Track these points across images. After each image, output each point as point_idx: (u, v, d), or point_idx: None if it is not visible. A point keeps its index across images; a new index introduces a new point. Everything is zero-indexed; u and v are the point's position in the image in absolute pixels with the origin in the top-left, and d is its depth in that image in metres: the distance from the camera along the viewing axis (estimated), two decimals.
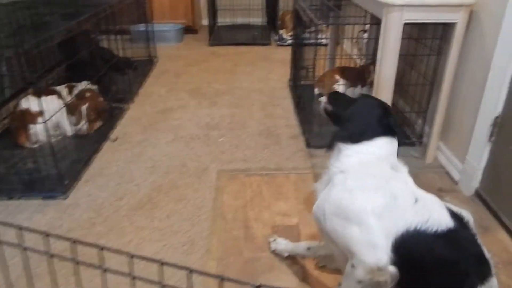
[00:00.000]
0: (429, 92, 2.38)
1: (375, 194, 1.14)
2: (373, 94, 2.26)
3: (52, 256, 0.74)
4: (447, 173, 2.29)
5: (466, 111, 2.14)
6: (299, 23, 3.20)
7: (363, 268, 1.13)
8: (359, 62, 3.58)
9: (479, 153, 2.00)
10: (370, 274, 1.12)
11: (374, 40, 3.09)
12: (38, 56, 2.13)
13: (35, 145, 2.49)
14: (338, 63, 3.48)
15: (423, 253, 1.10)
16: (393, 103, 2.23)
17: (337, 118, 1.38)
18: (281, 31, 5.12)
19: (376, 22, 2.68)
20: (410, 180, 1.21)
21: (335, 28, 3.52)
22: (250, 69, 4.15)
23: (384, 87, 2.16)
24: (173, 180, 2.25)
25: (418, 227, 1.09)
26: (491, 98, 1.90)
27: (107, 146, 2.61)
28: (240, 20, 5.77)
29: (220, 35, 5.31)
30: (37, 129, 2.46)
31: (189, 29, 5.41)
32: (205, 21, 5.73)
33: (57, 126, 2.62)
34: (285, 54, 4.41)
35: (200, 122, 2.94)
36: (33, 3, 2.92)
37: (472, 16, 2.04)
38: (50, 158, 2.16)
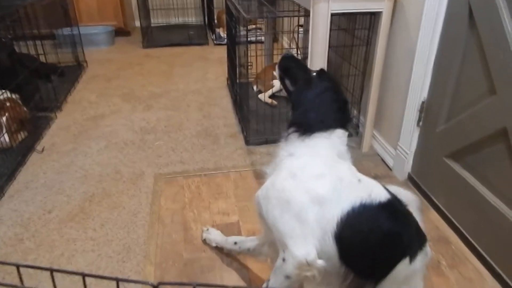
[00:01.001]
0: (362, 83, 2.50)
1: (320, 181, 1.19)
2: None
3: None
4: (382, 160, 2.42)
5: (396, 98, 2.26)
6: (232, 20, 3.23)
7: (293, 263, 1.18)
8: (297, 57, 3.66)
9: (409, 138, 2.13)
10: (299, 269, 1.18)
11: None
12: None
13: None
14: (278, 59, 3.55)
15: (369, 225, 1.18)
16: None
17: (292, 98, 1.40)
18: (218, 30, 5.16)
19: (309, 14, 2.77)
20: (353, 167, 1.29)
21: (271, 24, 3.59)
22: (186, 70, 4.15)
23: None
24: (106, 188, 2.23)
25: (363, 201, 1.17)
26: (417, 84, 2.03)
27: (33, 158, 2.53)
28: (175, 20, 5.75)
29: (154, 37, 5.25)
30: None
31: (121, 31, 5.30)
32: (138, 22, 5.64)
33: None
34: (223, 53, 4.43)
35: (134, 127, 2.90)
36: None
37: (396, 5, 2.17)
38: None
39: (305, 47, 3.42)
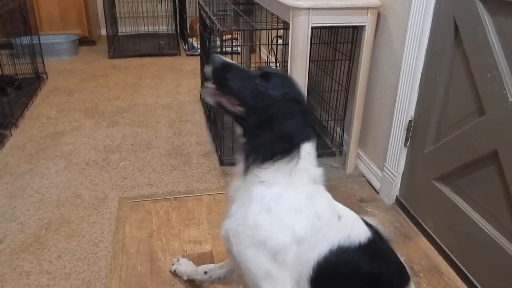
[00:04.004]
0: (345, 98, 2.51)
1: (299, 216, 1.14)
2: None
3: None
4: (368, 182, 2.41)
5: (382, 116, 2.28)
6: (206, 30, 3.22)
7: None
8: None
9: (396, 159, 2.13)
10: None
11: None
12: None
13: None
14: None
15: (348, 269, 1.16)
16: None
17: (245, 119, 1.19)
18: (190, 40, 5.14)
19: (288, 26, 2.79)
20: (330, 197, 1.24)
21: (248, 35, 3.60)
22: (156, 82, 4.11)
23: None
24: (64, 214, 2.15)
25: (342, 243, 1.15)
26: (404, 102, 2.04)
27: None
28: (144, 28, 5.71)
29: (122, 46, 5.20)
30: None
31: (85, 41, 5.24)
32: (104, 31, 5.58)
33: None
34: (196, 64, 4.43)
35: (97, 146, 2.83)
36: None
37: (380, 19, 2.20)
38: None
39: (285, 60, 3.44)
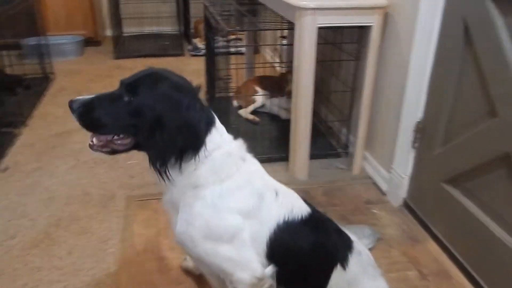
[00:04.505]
0: (351, 99, 2.45)
1: (242, 197, 1.17)
2: (292, 104, 2.27)
3: None
4: (375, 184, 2.35)
5: (388, 117, 2.22)
6: (210, 31, 3.16)
7: (245, 286, 1.20)
8: (280, 70, 3.62)
9: (404, 161, 2.07)
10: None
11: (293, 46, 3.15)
12: None
13: None
14: (262, 72, 3.50)
15: (296, 241, 1.23)
16: (315, 112, 2.25)
17: (140, 142, 1.15)
18: (195, 40, 5.08)
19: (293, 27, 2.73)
20: (262, 170, 1.28)
21: (252, 35, 3.54)
22: None
23: (303, 96, 2.18)
24: (74, 212, 2.14)
25: (286, 218, 1.21)
26: (412, 103, 1.98)
27: None
28: (148, 29, 5.65)
29: (127, 47, 5.14)
30: None
31: (91, 41, 5.17)
32: (108, 32, 5.52)
33: None
34: (200, 64, 4.35)
35: None
36: None
37: (387, 19, 2.14)
38: None
39: (290, 61, 3.38)
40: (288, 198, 1.26)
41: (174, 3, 5.53)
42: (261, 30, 3.22)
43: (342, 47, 2.50)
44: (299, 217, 1.23)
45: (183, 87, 1.14)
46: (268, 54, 4.47)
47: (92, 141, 1.17)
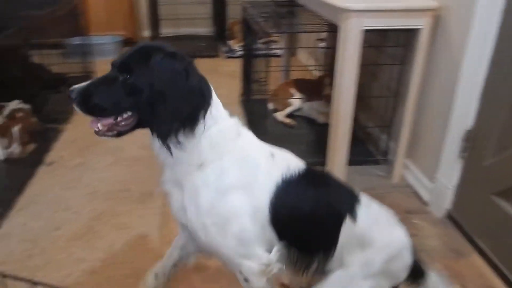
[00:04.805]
0: (394, 105, 2.33)
1: (241, 172, 1.15)
2: (332, 108, 2.17)
3: None
4: (415, 193, 2.23)
5: (434, 125, 2.09)
6: (249, 33, 3.10)
7: (256, 276, 1.19)
8: (316, 73, 3.53)
9: (450, 170, 1.95)
10: (264, 276, 1.20)
11: (332, 49, 3.05)
12: None
13: None
14: (297, 75, 3.42)
15: (297, 197, 1.20)
16: (354, 117, 2.15)
17: (143, 119, 1.12)
18: (230, 42, 5.03)
19: (334, 29, 2.63)
20: (256, 139, 1.25)
21: (289, 38, 3.46)
22: None
23: (344, 100, 2.09)
24: (114, 207, 2.17)
25: (284, 176, 1.18)
26: (461, 110, 1.86)
27: (41, 171, 2.51)
28: (184, 30, 5.63)
29: None
30: None
31: (129, 41, 5.18)
32: (146, 32, 5.54)
33: None
34: (235, 66, 4.31)
35: (143, 143, 2.75)
36: None
37: (437, 21, 2.02)
38: None
39: (327, 64, 3.28)
40: (284, 157, 1.24)
41: (211, 5, 5.50)
42: (302, 32, 3.12)
43: (386, 51, 2.38)
44: (296, 173, 1.20)
45: (177, 55, 1.09)
46: (304, 56, 4.37)
47: (97, 127, 1.14)
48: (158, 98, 1.05)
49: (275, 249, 1.20)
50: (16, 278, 0.65)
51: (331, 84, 2.68)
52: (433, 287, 1.34)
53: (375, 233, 1.23)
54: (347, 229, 1.21)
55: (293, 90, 3.08)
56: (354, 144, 2.25)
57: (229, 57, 4.84)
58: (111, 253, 1.85)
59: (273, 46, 3.71)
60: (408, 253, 1.27)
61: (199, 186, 1.14)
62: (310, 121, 3.04)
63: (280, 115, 3.05)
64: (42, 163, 2.59)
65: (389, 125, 2.40)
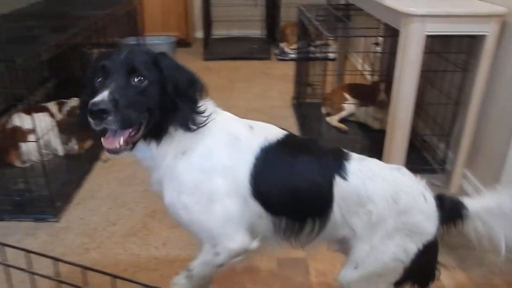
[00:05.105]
0: (454, 113, 2.27)
1: (223, 150, 1.17)
2: (390, 115, 2.14)
3: (61, 282, 0.80)
4: None
5: (498, 134, 2.02)
6: (304, 36, 3.11)
7: (229, 255, 1.20)
8: (370, 78, 3.48)
9: None
10: (234, 257, 1.21)
11: (388, 54, 3.01)
12: (28, 71, 2.09)
13: (26, 164, 2.50)
14: (350, 79, 3.40)
15: (278, 163, 1.18)
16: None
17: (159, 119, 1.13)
18: (282, 45, 5.05)
19: (391, 34, 2.60)
20: (232, 115, 1.27)
21: (344, 41, 3.43)
22: (247, 85, 4.05)
23: (402, 107, 2.05)
24: None
25: (263, 146, 1.17)
26: None
27: (98, 167, 2.62)
28: (236, 32, 5.70)
29: (215, 49, 5.21)
30: (29, 148, 2.47)
31: (182, 42, 5.33)
32: (199, 34, 5.66)
33: (48, 144, 2.60)
34: (287, 69, 4.33)
35: None
36: (22, 16, 2.94)
37: (504, 27, 1.95)
38: (41, 179, 2.14)
39: (383, 69, 3.24)
40: (262, 128, 1.24)
41: (264, 7, 5.54)
42: (359, 36, 3.09)
43: (447, 57, 2.32)
44: (275, 141, 1.19)
45: (167, 55, 1.18)
46: (357, 60, 4.33)
47: (118, 144, 1.08)
48: (177, 92, 1.11)
49: (257, 240, 1.21)
50: (97, 271, 0.70)
51: (386, 90, 2.66)
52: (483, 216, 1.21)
53: (371, 188, 1.16)
54: (339, 189, 1.16)
55: (346, 95, 3.06)
56: (409, 151, 2.21)
57: (280, 60, 4.86)
58: (164, 251, 1.90)
59: (328, 50, 3.70)
60: (423, 200, 1.18)
61: (181, 170, 1.16)
62: (363, 127, 3.01)
63: (333, 120, 3.03)
64: (98, 159, 2.68)
65: (448, 134, 2.33)
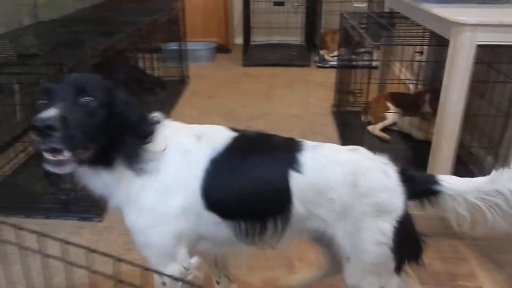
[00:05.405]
0: (504, 125, 2.21)
1: (174, 168, 1.16)
2: (436, 126, 2.10)
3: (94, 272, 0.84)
4: None
5: None
6: (346, 43, 3.10)
7: (175, 281, 1.17)
8: (413, 87, 3.43)
9: None
10: (181, 278, 1.18)
11: (433, 63, 2.97)
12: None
13: None
14: (391, 88, 3.36)
15: (229, 175, 1.17)
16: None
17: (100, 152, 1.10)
18: (322, 52, 5.05)
19: (436, 42, 2.56)
20: (179, 125, 1.25)
21: (387, 49, 3.40)
22: (287, 92, 4.07)
23: (450, 118, 2.01)
24: None
25: (211, 157, 1.16)
26: None
27: None
28: (276, 39, 5.73)
29: (254, 55, 5.26)
30: None
31: (222, 48, 5.41)
32: (238, 40, 5.73)
33: None
34: (326, 76, 4.32)
35: None
36: (70, 21, 3.06)
37: None
38: None
39: (426, 78, 3.19)
40: (210, 135, 1.21)
41: (303, 14, 5.55)
42: (405, 45, 3.05)
43: (498, 67, 2.26)
44: (223, 147, 1.18)
45: (117, 87, 1.16)
46: (399, 69, 4.27)
47: (63, 156, 1.01)
48: (125, 127, 1.10)
49: (195, 258, 1.22)
50: (129, 263, 0.73)
51: (431, 101, 2.60)
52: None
53: (328, 175, 1.15)
54: (296, 183, 1.14)
55: (389, 104, 3.02)
56: (455, 163, 2.17)
57: (320, 67, 4.86)
58: None
59: (370, 58, 3.67)
60: (383, 177, 1.16)
61: (136, 194, 1.15)
62: (406, 137, 2.97)
63: (375, 129, 3.01)
64: None
65: (497, 146, 2.27)
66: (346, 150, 1.23)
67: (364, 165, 1.18)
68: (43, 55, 2.30)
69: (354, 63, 3.05)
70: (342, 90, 3.27)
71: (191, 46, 4.89)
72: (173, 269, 1.19)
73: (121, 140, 1.10)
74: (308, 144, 1.21)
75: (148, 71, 3.82)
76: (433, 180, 1.19)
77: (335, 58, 4.47)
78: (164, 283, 1.20)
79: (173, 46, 4.33)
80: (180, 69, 4.26)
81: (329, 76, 4.15)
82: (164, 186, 1.15)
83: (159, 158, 1.14)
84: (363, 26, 2.79)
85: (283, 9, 5.53)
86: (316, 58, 5.05)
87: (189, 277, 1.20)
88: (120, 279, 0.79)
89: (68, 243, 0.84)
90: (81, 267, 0.84)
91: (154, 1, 4.03)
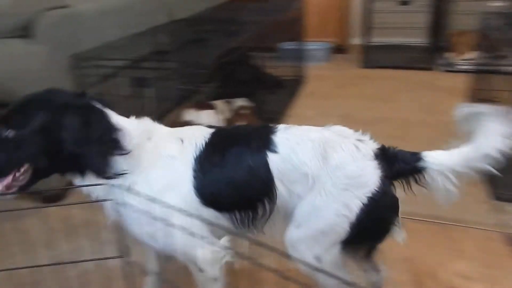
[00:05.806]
0: None
1: (163, 174, 1.23)
2: None
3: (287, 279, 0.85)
4: None
5: None
6: (486, 46, 2.91)
7: (209, 263, 1.25)
8: None
9: None
10: (218, 264, 1.26)
11: None
12: (201, 72, 2.31)
13: None
14: None
15: (214, 170, 1.24)
16: None
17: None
18: (449, 55, 4.75)
19: None
20: (163, 130, 1.32)
21: None
22: (409, 96, 3.91)
23: None
24: None
25: (195, 156, 1.24)
26: None
27: None
28: (396, 39, 5.52)
29: (372, 56, 5.09)
30: None
31: (338, 48, 5.36)
32: (355, 40, 5.63)
33: None
34: (455, 82, 4.07)
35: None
36: (198, 21, 3.26)
37: None
38: None
39: None
40: (191, 136, 1.28)
41: (428, 14, 5.29)
42: None
43: None
44: (205, 144, 1.25)
45: (69, 105, 1.17)
46: None
47: None
48: (79, 143, 1.14)
49: (224, 238, 1.27)
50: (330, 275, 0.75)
51: None
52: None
53: (301, 152, 1.22)
54: (274, 164, 1.22)
55: None
56: None
57: (447, 71, 4.58)
58: None
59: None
60: (355, 152, 1.21)
61: (133, 205, 1.20)
62: None
63: None
64: None
65: None
66: (319, 129, 1.31)
67: (334, 140, 1.25)
68: (173, 53, 2.45)
69: (494, 68, 2.84)
70: (478, 98, 3.06)
71: (308, 45, 4.92)
72: (203, 253, 1.25)
73: (80, 153, 1.15)
74: (281, 126, 1.31)
75: (267, 71, 3.91)
76: (417, 157, 1.26)
77: (467, 61, 4.22)
78: (201, 270, 1.27)
79: (289, 45, 4.37)
80: (297, 69, 4.30)
81: (458, 81, 3.92)
82: (158, 192, 1.20)
83: (143, 165, 1.22)
84: (507, 27, 2.60)
85: (408, 9, 5.32)
86: (442, 61, 4.78)
87: (225, 258, 1.28)
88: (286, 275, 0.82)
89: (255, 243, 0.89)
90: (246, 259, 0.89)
91: (276, 1, 4.11)
